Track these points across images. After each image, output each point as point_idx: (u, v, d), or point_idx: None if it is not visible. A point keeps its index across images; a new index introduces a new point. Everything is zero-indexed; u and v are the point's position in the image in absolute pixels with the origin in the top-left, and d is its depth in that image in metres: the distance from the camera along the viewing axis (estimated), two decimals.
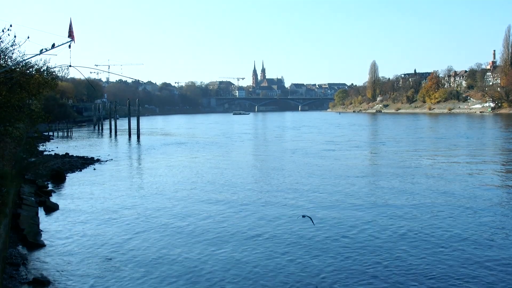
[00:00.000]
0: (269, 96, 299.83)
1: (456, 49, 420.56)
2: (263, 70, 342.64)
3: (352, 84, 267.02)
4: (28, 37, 15.86)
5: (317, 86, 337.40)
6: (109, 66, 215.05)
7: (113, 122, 67.31)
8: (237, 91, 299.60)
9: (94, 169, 29.17)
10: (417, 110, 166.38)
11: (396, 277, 10.63)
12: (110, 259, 11.94)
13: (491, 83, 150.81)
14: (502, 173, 25.86)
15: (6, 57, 18.98)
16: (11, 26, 15.47)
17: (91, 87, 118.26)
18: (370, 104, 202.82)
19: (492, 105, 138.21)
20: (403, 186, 21.49)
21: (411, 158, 32.84)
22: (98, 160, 33.04)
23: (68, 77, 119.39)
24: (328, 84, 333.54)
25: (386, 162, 30.51)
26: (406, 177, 24.11)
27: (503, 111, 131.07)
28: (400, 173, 25.49)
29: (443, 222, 15.02)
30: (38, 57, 19.21)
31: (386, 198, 18.88)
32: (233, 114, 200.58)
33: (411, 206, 17.43)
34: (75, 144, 48.59)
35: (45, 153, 37.18)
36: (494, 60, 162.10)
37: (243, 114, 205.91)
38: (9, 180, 15.16)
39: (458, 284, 10.20)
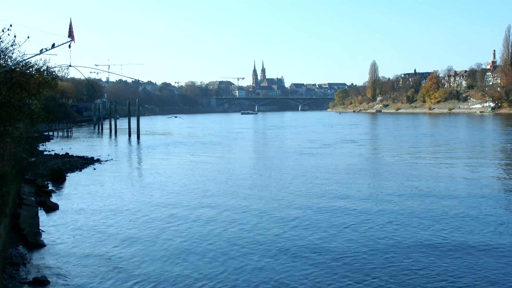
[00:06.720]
0: (269, 96, 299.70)
1: (456, 49, 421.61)
2: (263, 70, 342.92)
3: (352, 84, 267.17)
4: (28, 37, 15.86)
5: (317, 86, 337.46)
6: (109, 66, 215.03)
7: (113, 122, 67.29)
8: (237, 91, 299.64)
9: (94, 169, 29.18)
10: (417, 110, 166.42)
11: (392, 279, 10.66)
12: (110, 259, 11.95)
13: (491, 83, 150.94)
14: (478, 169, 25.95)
15: (6, 57, 18.98)
16: (11, 26, 15.46)
17: (91, 87, 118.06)
18: (370, 104, 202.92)
19: (492, 105, 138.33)
20: (396, 184, 21.57)
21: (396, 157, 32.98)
22: (98, 160, 33.04)
23: (68, 77, 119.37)
24: (328, 84, 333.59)
25: (381, 161, 30.58)
26: (395, 175, 24.23)
27: (503, 111, 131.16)
28: (390, 170, 25.60)
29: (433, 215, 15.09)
30: (38, 57, 19.17)
31: (379, 197, 18.95)
32: (241, 114, 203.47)
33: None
34: (75, 144, 48.58)
35: (45, 153, 37.15)
36: (494, 60, 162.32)
37: (251, 113, 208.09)
38: (9, 180, 15.19)
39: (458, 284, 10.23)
